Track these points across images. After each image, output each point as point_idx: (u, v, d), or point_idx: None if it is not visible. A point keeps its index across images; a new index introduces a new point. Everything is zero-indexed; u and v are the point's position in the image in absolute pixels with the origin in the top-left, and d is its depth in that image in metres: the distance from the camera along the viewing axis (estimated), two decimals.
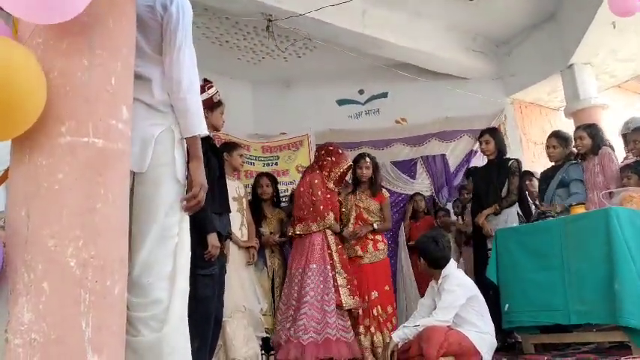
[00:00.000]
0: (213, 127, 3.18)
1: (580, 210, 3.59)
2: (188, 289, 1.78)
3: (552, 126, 6.74)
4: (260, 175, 4.73)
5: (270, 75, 6.80)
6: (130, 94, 1.54)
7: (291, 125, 6.59)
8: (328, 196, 4.04)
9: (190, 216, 2.53)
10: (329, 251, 3.92)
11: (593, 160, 4.12)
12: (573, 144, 4.32)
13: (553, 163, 4.50)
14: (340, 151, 4.17)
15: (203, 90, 3.08)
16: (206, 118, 3.01)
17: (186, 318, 1.75)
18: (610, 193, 3.71)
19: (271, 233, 4.36)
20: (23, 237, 1.27)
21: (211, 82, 3.21)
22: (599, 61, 6.01)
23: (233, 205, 3.91)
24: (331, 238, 3.96)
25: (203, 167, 1.85)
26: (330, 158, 4.10)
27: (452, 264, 3.32)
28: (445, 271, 3.26)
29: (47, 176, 1.31)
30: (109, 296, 1.32)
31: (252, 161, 6.45)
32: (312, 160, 4.47)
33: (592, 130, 4.18)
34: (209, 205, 2.83)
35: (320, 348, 3.60)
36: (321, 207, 3.95)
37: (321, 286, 3.80)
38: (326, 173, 4.08)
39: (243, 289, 3.66)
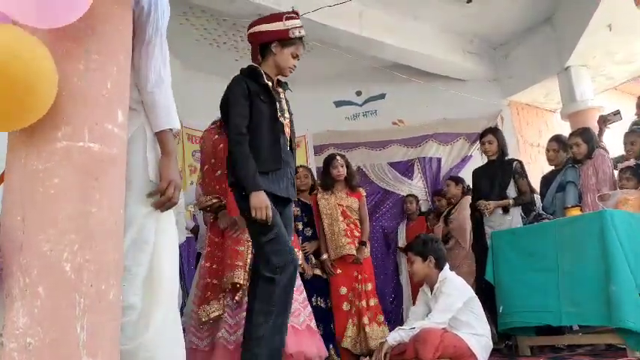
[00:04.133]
0: (278, 67, 2.64)
1: (576, 212, 3.61)
2: (176, 293, 1.74)
3: (549, 128, 6.78)
4: None
5: None
6: (125, 98, 1.54)
7: None
8: (222, 157, 3.15)
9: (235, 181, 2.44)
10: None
11: (587, 163, 4.16)
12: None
13: (553, 167, 4.54)
14: None
15: (280, 19, 2.60)
16: (272, 54, 2.59)
17: (176, 326, 1.71)
18: (605, 195, 3.73)
19: None
20: (19, 241, 1.28)
21: (296, 15, 2.67)
22: (595, 64, 6.05)
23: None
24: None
25: (175, 163, 1.77)
26: None
27: (447, 266, 3.34)
28: (443, 274, 3.27)
29: (43, 181, 1.31)
30: (104, 300, 1.32)
31: None
32: None
33: (586, 135, 4.24)
34: (247, 162, 2.44)
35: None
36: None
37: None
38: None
39: None
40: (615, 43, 5.70)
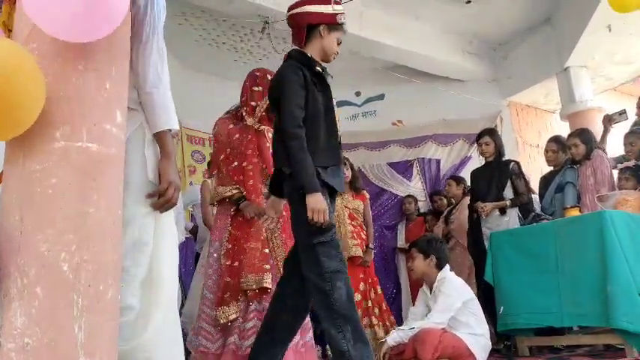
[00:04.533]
0: (324, 52, 2.52)
1: (575, 213, 3.61)
2: (175, 297, 1.74)
3: (548, 128, 6.78)
4: None
5: None
6: (124, 99, 1.54)
7: None
8: (240, 148, 3.01)
9: (290, 174, 2.27)
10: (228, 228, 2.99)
11: (586, 164, 4.17)
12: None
13: (551, 167, 4.55)
14: (270, 77, 3.03)
15: (328, 2, 2.51)
16: (319, 37, 2.49)
17: (176, 327, 1.70)
18: (604, 196, 3.74)
19: None
20: (17, 242, 1.27)
21: (340, 0, 2.59)
22: (594, 64, 6.05)
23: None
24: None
25: (174, 164, 1.74)
26: (256, 87, 3.12)
27: (447, 267, 3.34)
28: (442, 273, 3.28)
29: (41, 181, 1.31)
30: (102, 300, 1.32)
31: None
32: None
33: (584, 136, 4.25)
34: (305, 158, 2.25)
35: None
36: (213, 171, 3.13)
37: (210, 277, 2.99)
38: (248, 108, 3.09)
39: None
40: (615, 43, 5.70)
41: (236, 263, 2.86)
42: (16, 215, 1.30)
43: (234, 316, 2.76)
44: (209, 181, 4.08)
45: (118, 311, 1.42)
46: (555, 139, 4.59)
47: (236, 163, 3.00)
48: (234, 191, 2.95)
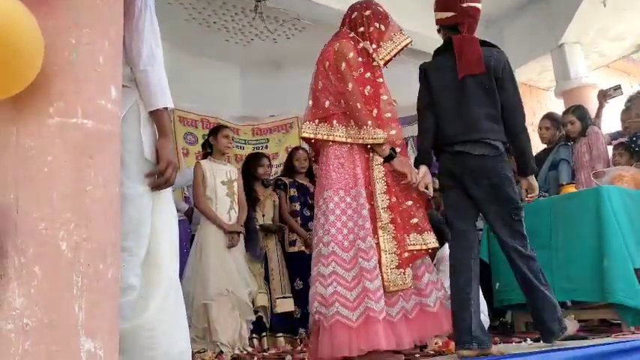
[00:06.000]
0: None
1: (571, 189, 3.62)
2: (176, 271, 1.73)
3: (542, 106, 6.76)
4: (261, 154, 4.75)
5: (259, 56, 6.73)
6: (118, 74, 1.50)
7: (281, 107, 6.55)
8: (373, 89, 2.65)
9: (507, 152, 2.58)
10: (367, 173, 2.52)
11: (581, 141, 4.17)
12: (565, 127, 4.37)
13: (545, 145, 4.54)
14: (389, 20, 2.74)
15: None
16: (474, 32, 2.68)
17: (178, 305, 1.70)
18: (599, 172, 3.75)
19: (263, 216, 4.37)
20: (13, 221, 1.24)
21: None
22: (589, 41, 6.01)
23: (222, 189, 3.90)
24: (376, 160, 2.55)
25: (171, 144, 1.75)
26: (378, 24, 2.65)
27: (446, 245, 3.33)
28: (441, 252, 3.28)
29: (36, 159, 1.28)
30: (102, 280, 1.29)
31: (242, 145, 6.40)
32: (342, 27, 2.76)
33: (579, 113, 4.25)
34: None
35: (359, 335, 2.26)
36: (357, 104, 2.53)
37: (349, 226, 2.43)
38: (374, 45, 2.66)
39: (227, 273, 3.66)
40: (609, 19, 5.66)
41: (414, 220, 2.57)
42: (12, 194, 1.26)
43: (434, 244, 2.59)
44: (202, 162, 4.07)
45: (118, 290, 1.40)
46: (549, 117, 4.58)
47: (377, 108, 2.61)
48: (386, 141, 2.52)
